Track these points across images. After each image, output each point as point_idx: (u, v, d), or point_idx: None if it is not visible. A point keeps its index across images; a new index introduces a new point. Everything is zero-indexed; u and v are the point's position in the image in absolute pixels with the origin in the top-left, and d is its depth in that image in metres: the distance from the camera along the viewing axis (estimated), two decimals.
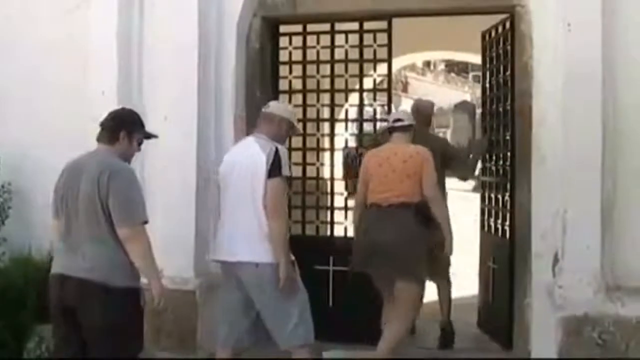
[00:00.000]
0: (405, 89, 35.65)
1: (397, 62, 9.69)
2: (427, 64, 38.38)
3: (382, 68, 6.95)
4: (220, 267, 5.06)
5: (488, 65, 7.10)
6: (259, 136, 4.98)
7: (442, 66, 40.23)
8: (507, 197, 6.55)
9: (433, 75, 39.13)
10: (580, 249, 5.60)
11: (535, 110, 6.02)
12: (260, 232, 4.70)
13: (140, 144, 4.43)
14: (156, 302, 4.11)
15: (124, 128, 4.29)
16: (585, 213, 5.62)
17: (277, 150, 4.77)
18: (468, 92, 38.69)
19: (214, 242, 5.37)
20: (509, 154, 6.49)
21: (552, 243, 5.81)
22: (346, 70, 6.88)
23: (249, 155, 4.82)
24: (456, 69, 41.27)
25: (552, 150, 5.83)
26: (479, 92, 36.66)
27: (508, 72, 6.50)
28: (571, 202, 5.66)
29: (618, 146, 5.68)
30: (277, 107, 5.20)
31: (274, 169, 4.70)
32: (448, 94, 34.73)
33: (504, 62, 6.63)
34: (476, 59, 8.42)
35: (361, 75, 6.91)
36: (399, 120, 5.77)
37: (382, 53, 6.75)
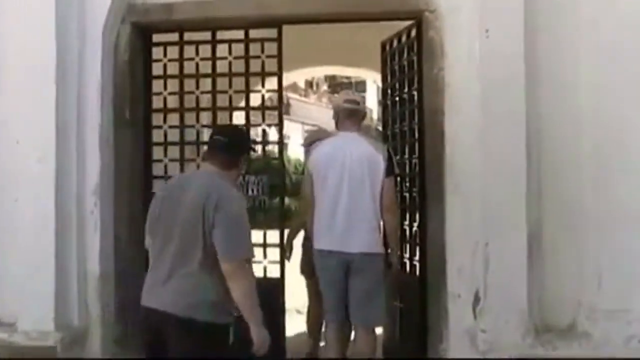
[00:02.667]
0: (287, 111, 35.00)
1: (287, 78, 8.84)
2: (310, 84, 37.90)
3: (272, 82, 6.06)
4: (322, 253, 5.19)
5: (390, 80, 6.36)
6: (357, 133, 5.23)
7: (325, 86, 39.86)
8: (415, 228, 5.78)
9: (316, 96, 38.65)
10: (505, 286, 5.00)
11: (448, 129, 5.31)
12: (377, 226, 5.14)
13: None
14: (255, 349, 3.73)
15: (246, 152, 4.01)
16: (509, 245, 4.99)
17: (388, 150, 5.27)
18: None
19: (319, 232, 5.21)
20: (416, 178, 5.72)
21: (471, 280, 5.16)
22: (230, 85, 6.01)
23: (363, 152, 5.10)
24: (339, 89, 40.97)
25: (469, 174, 5.15)
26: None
27: (415, 87, 5.76)
28: (493, 234, 5.03)
29: (544, 169, 5.05)
30: (360, 100, 5.41)
31: (390, 168, 5.13)
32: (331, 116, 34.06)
33: (409, 75, 5.89)
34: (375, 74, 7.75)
35: (247, 91, 6.03)
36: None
37: (272, 65, 5.91)
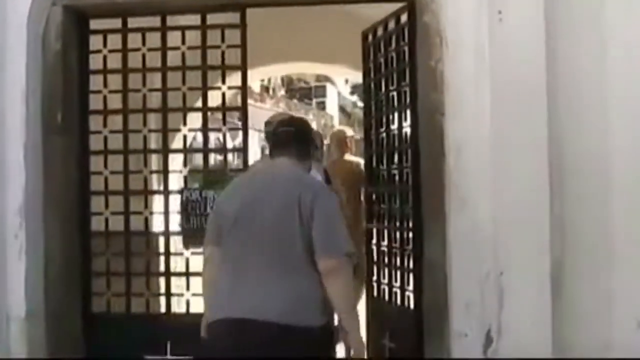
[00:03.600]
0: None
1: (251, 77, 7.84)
2: (266, 88, 36.90)
3: (235, 79, 5.07)
4: None
5: (373, 75, 5.40)
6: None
7: (282, 91, 38.93)
8: (409, 252, 4.84)
9: (273, 101, 37.63)
10: (524, 324, 4.15)
11: (449, 133, 4.39)
12: None
13: None
14: (352, 354, 3.49)
15: (313, 143, 3.80)
16: (529, 275, 4.09)
17: None
18: (313, 120, 37.56)
19: None
20: (410, 193, 4.78)
21: (482, 317, 4.29)
22: (183, 82, 5.00)
23: None
24: (298, 94, 40.14)
25: (478, 189, 4.26)
26: (324, 120, 35.64)
27: (406, 82, 4.82)
28: (509, 262, 4.13)
29: (569, 183, 4.15)
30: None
31: None
32: None
33: (398, 69, 4.95)
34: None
35: (205, 89, 5.02)
36: None
37: (234, 57, 4.91)
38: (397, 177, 5.04)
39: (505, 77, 4.15)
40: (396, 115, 5.02)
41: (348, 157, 6.96)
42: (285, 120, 3.92)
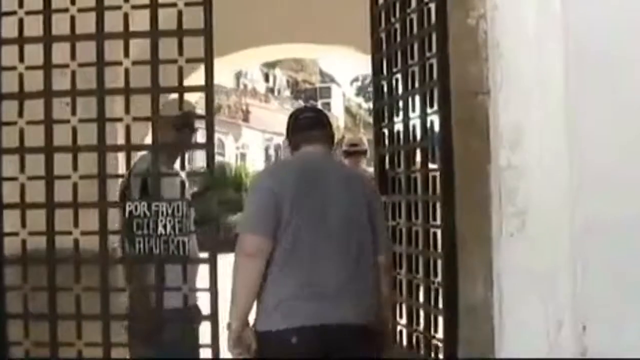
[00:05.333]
0: (246, 118, 32.67)
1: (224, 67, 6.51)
2: (271, 90, 35.74)
3: (197, 76, 3.78)
4: None
5: (386, 48, 4.06)
6: None
7: (287, 92, 37.74)
8: (437, 286, 3.49)
9: (278, 102, 36.36)
10: None
11: (501, 121, 3.01)
12: None
13: None
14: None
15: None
16: (628, 329, 2.71)
17: None
18: None
19: None
20: (439, 205, 3.44)
21: None
22: (126, 53, 3.65)
23: None
24: (304, 95, 38.95)
25: (546, 202, 2.86)
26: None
27: (431, 53, 3.48)
28: (593, 310, 2.74)
29: None
30: None
31: None
32: None
33: (420, 36, 3.60)
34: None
35: (156, 92, 3.69)
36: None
37: (195, 48, 3.61)
38: (419, 183, 3.69)
39: (584, 38, 2.79)
40: (418, 99, 3.67)
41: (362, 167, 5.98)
42: (305, 107, 3.83)
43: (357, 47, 5.91)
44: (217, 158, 31.93)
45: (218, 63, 6.32)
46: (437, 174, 3.45)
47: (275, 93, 37.22)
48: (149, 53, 3.63)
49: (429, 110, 3.54)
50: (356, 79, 47.63)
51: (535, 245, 2.90)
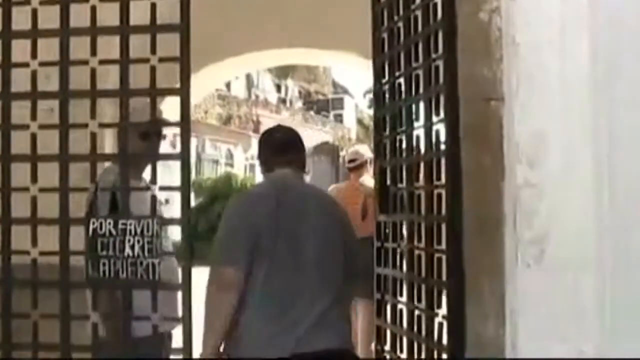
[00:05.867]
0: (257, 129, 32.30)
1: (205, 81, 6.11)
2: (283, 100, 35.41)
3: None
4: None
5: (387, 49, 3.64)
6: None
7: (299, 103, 37.43)
8: (442, 320, 3.06)
9: (289, 113, 35.99)
10: None
11: (517, 131, 2.59)
12: None
13: None
14: None
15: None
16: None
17: None
18: (329, 132, 35.81)
19: None
20: (444, 227, 3.00)
21: None
22: (93, 51, 3.22)
23: None
24: (315, 107, 38.60)
25: (571, 226, 2.44)
26: (341, 132, 34.94)
27: (437, 54, 3.06)
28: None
29: None
30: None
31: None
32: (306, 135, 31.61)
33: (425, 34, 3.18)
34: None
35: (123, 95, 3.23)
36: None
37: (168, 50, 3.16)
38: (422, 201, 3.25)
39: (620, 32, 2.37)
40: (422, 105, 3.24)
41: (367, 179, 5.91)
42: (279, 127, 3.62)
43: (361, 54, 5.51)
44: (226, 169, 31.74)
45: (216, 68, 5.98)
46: (443, 191, 3.01)
47: (287, 104, 36.86)
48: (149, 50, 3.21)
49: (434, 119, 3.11)
50: (369, 91, 47.19)
51: (556, 278, 2.46)
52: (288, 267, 3.03)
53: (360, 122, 42.10)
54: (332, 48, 6.05)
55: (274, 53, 6.22)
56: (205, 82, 6.48)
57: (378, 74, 3.77)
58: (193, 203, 17.64)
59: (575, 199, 2.45)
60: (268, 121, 34.88)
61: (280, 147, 3.34)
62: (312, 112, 38.64)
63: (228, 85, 31.84)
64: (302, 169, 3.37)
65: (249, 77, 33.70)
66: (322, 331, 3.03)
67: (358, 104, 42.85)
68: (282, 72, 37.13)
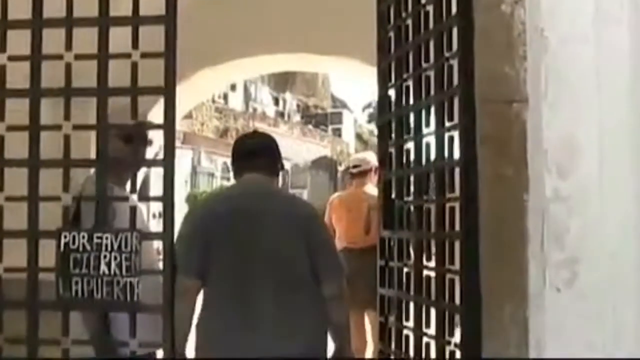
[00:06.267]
0: None
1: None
2: (281, 114, 35.19)
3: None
4: None
5: (394, 50, 3.33)
6: None
7: (297, 117, 37.24)
8: (454, 348, 2.74)
9: (287, 126, 35.78)
10: None
11: (544, 137, 2.28)
12: None
13: None
14: None
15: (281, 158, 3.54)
16: None
17: None
18: (327, 146, 35.56)
19: None
20: (459, 245, 2.68)
21: None
22: (69, 45, 2.92)
23: None
24: (314, 121, 38.40)
25: (599, 244, 2.15)
26: (339, 147, 34.82)
27: (451, 52, 2.76)
28: None
29: None
30: None
31: None
32: (304, 149, 31.43)
33: (437, 31, 2.87)
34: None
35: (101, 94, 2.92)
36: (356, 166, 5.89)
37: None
38: (432, 216, 2.94)
39: None
40: (433, 110, 2.93)
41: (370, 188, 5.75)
42: (250, 133, 3.74)
43: (362, 59, 5.23)
44: (222, 182, 31.50)
45: (213, 72, 5.70)
46: (457, 205, 2.70)
47: (285, 117, 36.62)
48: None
49: (447, 124, 2.80)
50: (368, 106, 47.13)
51: (591, 305, 2.14)
52: (241, 274, 3.08)
53: (359, 136, 41.97)
54: (332, 54, 5.74)
55: (271, 58, 5.94)
56: (199, 87, 6.17)
57: (383, 77, 3.45)
58: None
59: (613, 213, 2.14)
60: None
61: (249, 152, 3.37)
62: (310, 126, 38.43)
63: (225, 97, 31.65)
64: (273, 174, 3.40)
65: (246, 90, 33.55)
66: (284, 337, 3.07)
67: (357, 119, 42.71)
68: (281, 86, 36.97)
